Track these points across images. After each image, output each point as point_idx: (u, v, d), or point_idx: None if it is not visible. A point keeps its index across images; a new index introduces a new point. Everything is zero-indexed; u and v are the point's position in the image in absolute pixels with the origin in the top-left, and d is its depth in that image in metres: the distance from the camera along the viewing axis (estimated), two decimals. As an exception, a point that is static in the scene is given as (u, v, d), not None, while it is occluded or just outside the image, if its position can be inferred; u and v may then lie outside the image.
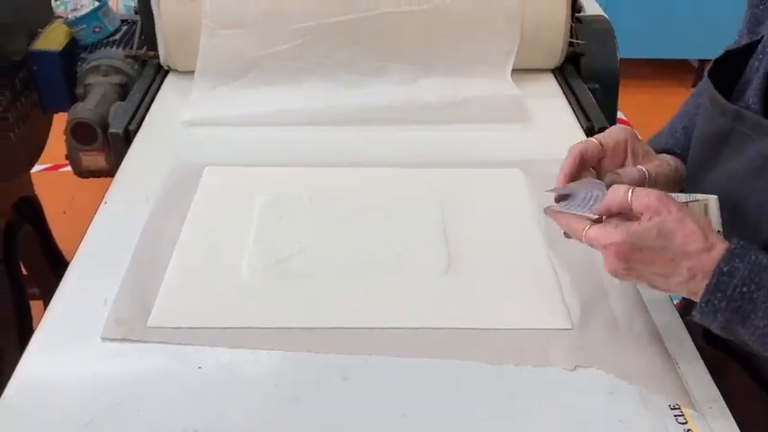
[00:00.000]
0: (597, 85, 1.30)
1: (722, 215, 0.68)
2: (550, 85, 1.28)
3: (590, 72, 1.32)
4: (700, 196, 0.69)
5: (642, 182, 0.72)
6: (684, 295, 0.65)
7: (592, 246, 0.66)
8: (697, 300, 0.63)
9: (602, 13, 1.51)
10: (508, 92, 1.20)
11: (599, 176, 0.75)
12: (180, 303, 0.79)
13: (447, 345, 0.74)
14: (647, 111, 3.22)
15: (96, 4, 1.36)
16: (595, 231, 0.65)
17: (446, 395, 0.69)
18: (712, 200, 0.68)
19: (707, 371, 0.72)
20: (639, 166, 0.74)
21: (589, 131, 1.13)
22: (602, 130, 1.11)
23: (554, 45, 1.26)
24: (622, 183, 0.68)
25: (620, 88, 1.36)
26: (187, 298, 0.80)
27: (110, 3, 1.42)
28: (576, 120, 1.17)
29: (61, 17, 1.42)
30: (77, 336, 0.75)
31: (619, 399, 0.69)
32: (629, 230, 0.62)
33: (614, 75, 1.34)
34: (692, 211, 0.65)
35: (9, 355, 1.41)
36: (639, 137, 0.77)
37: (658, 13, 3.21)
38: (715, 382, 0.71)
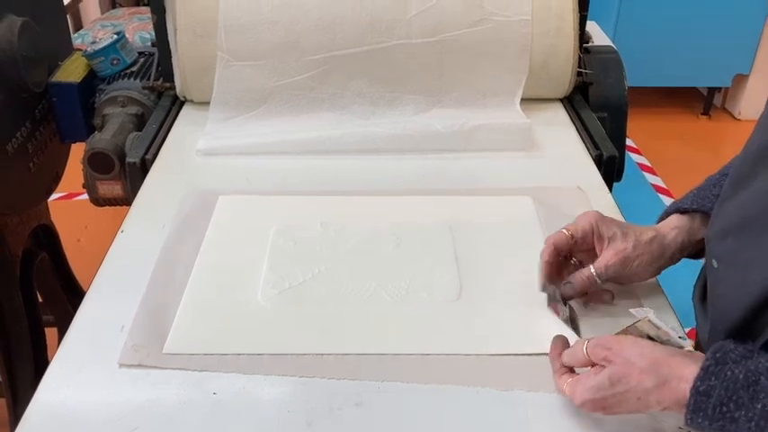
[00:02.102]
0: (606, 114, 1.32)
1: (758, 230, 0.67)
2: (559, 114, 1.30)
3: (598, 101, 1.34)
4: (639, 313, 0.73)
5: (591, 284, 0.82)
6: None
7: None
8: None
9: (610, 42, 1.54)
10: (517, 121, 1.21)
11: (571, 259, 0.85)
12: (195, 330, 0.80)
13: (459, 371, 0.75)
14: (656, 138, 3.24)
15: (114, 37, 1.39)
16: (568, 389, 0.69)
17: (459, 421, 0.70)
18: (651, 315, 0.72)
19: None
20: (590, 269, 0.81)
21: (598, 160, 1.15)
22: (610, 159, 1.14)
23: (563, 75, 1.28)
24: (574, 290, 0.82)
25: (629, 116, 1.37)
26: (202, 324, 0.81)
27: (126, 35, 1.45)
28: (585, 148, 1.18)
29: (80, 50, 1.45)
30: (95, 361, 0.76)
31: (629, 424, 0.69)
32: (586, 387, 0.66)
33: (622, 103, 1.36)
34: (642, 332, 0.70)
35: (24, 382, 1.42)
36: (606, 219, 0.83)
37: (666, 41, 3.23)
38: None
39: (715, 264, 0.74)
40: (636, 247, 0.81)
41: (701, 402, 0.60)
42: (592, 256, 0.83)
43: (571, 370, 0.71)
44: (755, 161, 0.71)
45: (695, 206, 0.83)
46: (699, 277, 0.84)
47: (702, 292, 0.81)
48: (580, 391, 0.66)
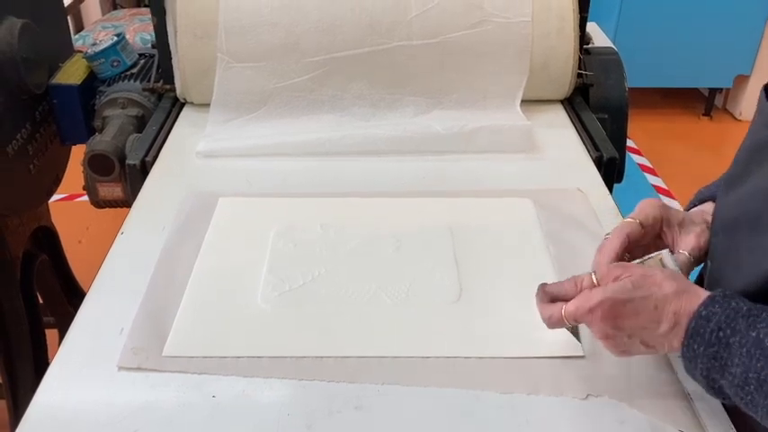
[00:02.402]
0: (606, 115, 1.32)
1: (746, 231, 0.68)
2: (559, 116, 1.30)
3: (599, 102, 1.34)
4: (653, 254, 0.72)
5: (689, 271, 0.75)
6: (669, 351, 0.66)
7: (576, 321, 0.68)
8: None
9: (610, 43, 1.54)
10: (518, 123, 1.21)
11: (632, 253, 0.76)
12: (195, 333, 0.80)
13: (459, 374, 0.75)
14: (657, 139, 3.24)
15: (114, 38, 1.39)
16: (573, 302, 0.67)
17: (458, 424, 0.70)
18: (665, 253, 0.71)
19: (719, 402, 0.72)
20: (685, 253, 0.75)
21: (598, 161, 1.15)
22: (611, 160, 1.13)
23: (563, 76, 1.28)
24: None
25: (630, 117, 1.37)
26: (202, 327, 0.81)
27: (127, 37, 1.45)
28: (585, 150, 1.18)
29: (80, 51, 1.45)
30: (94, 364, 0.76)
31: (630, 428, 0.69)
32: (606, 288, 0.65)
33: (623, 104, 1.36)
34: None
35: (24, 383, 1.42)
36: (666, 205, 0.78)
37: (667, 42, 3.23)
38: (726, 412, 0.71)
39: (709, 262, 0.74)
40: (709, 228, 0.78)
41: (699, 327, 0.61)
42: (650, 247, 0.77)
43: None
44: (747, 162, 0.71)
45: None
46: (698, 275, 0.84)
47: None
48: (595, 293, 0.64)
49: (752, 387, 0.58)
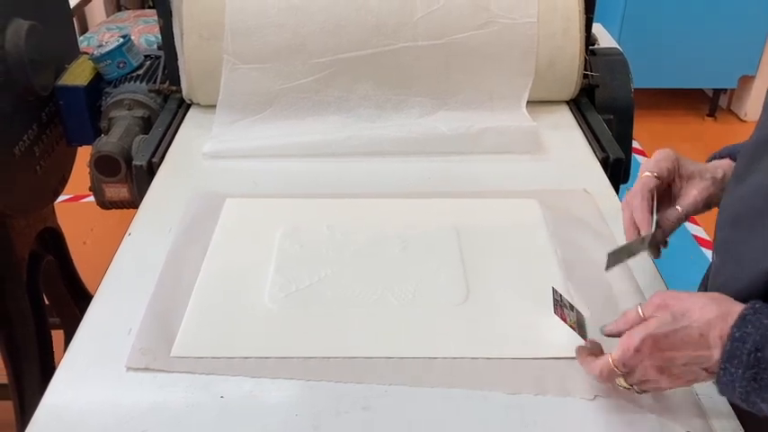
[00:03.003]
0: (612, 116, 1.32)
1: (748, 228, 0.68)
2: (565, 117, 1.30)
3: (604, 103, 1.34)
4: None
5: (680, 225, 0.80)
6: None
7: (626, 367, 0.65)
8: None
9: (615, 44, 1.54)
10: (524, 123, 1.21)
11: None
12: (202, 333, 0.80)
13: (466, 375, 0.75)
14: (662, 139, 3.24)
15: (120, 40, 1.39)
16: (618, 349, 0.65)
17: (465, 425, 0.70)
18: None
19: (727, 400, 0.72)
20: (678, 209, 0.80)
21: (604, 162, 1.15)
22: (617, 161, 1.13)
23: (569, 77, 1.28)
24: (665, 234, 0.80)
25: (636, 117, 1.37)
26: (209, 328, 0.81)
27: (132, 38, 1.46)
28: (592, 151, 1.18)
29: (86, 53, 1.46)
30: (103, 364, 0.77)
31: (638, 429, 0.69)
32: (647, 325, 0.64)
33: (628, 105, 1.36)
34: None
35: (30, 384, 1.43)
36: (680, 156, 0.81)
37: (671, 43, 3.23)
38: (735, 412, 0.71)
39: (714, 257, 0.75)
40: (714, 183, 0.80)
41: (735, 349, 0.59)
42: (660, 197, 0.80)
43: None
44: (751, 158, 0.72)
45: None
46: (706, 273, 0.85)
47: (707, 286, 0.81)
48: (634, 333, 0.64)
49: None
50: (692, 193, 0.80)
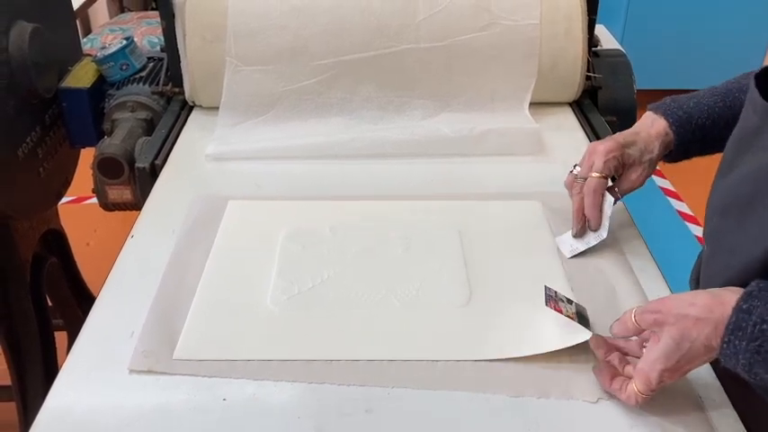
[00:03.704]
0: (615, 118, 1.32)
1: (736, 216, 0.71)
2: (568, 118, 1.30)
3: (607, 105, 1.34)
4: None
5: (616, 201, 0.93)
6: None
7: (651, 392, 0.68)
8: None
9: (618, 46, 1.53)
10: (526, 125, 1.21)
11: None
12: (205, 336, 0.81)
13: (469, 377, 0.75)
14: (665, 141, 3.22)
15: (124, 42, 1.39)
16: (641, 383, 0.67)
17: (468, 428, 0.70)
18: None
19: (730, 404, 0.72)
20: (616, 190, 0.93)
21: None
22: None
23: (571, 79, 1.28)
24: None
25: (638, 119, 1.36)
26: (212, 330, 0.81)
27: (135, 40, 1.46)
28: (595, 152, 1.18)
29: (90, 55, 1.46)
30: (105, 367, 0.77)
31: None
32: (654, 360, 0.66)
33: (631, 107, 1.36)
34: None
35: (33, 385, 1.43)
36: (623, 147, 0.91)
37: (674, 44, 3.22)
38: (738, 414, 0.71)
39: (705, 246, 0.78)
40: (651, 165, 0.93)
41: (741, 321, 0.60)
42: None
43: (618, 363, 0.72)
44: (737, 148, 0.73)
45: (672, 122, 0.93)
46: (696, 260, 0.88)
47: (697, 274, 0.84)
48: (650, 368, 0.66)
49: None
50: (630, 178, 0.93)
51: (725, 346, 0.62)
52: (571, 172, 0.95)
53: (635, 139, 0.92)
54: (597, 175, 0.90)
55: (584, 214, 0.92)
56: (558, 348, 0.75)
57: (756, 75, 0.73)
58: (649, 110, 0.96)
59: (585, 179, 0.92)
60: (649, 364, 0.66)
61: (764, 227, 0.67)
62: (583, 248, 0.92)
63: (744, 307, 0.61)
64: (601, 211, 0.92)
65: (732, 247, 0.71)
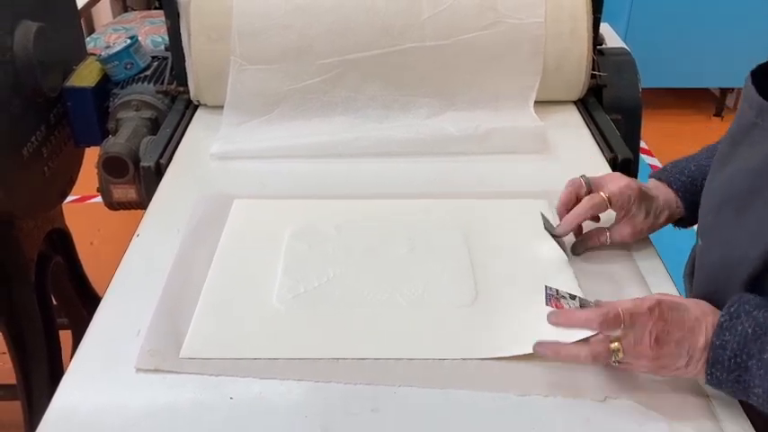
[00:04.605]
0: (620, 116, 1.31)
1: (732, 211, 0.72)
2: (573, 117, 1.29)
3: (612, 103, 1.33)
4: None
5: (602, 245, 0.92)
6: (696, 376, 0.69)
7: (632, 321, 0.68)
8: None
9: (623, 44, 1.53)
10: (531, 124, 1.21)
11: None
12: (211, 334, 0.81)
13: (476, 376, 0.75)
14: (670, 139, 3.22)
15: (128, 41, 1.39)
16: (629, 302, 0.70)
17: (475, 427, 0.70)
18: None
19: (739, 405, 0.71)
20: (607, 235, 0.91)
21: (612, 162, 1.14)
22: (625, 161, 1.13)
23: (576, 77, 1.28)
24: (585, 247, 0.92)
25: (643, 117, 1.36)
26: (218, 329, 0.81)
27: (139, 39, 1.46)
28: (600, 151, 1.18)
29: (94, 54, 1.46)
30: (112, 366, 0.77)
31: (648, 430, 0.68)
32: (656, 295, 0.71)
33: (636, 105, 1.35)
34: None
35: (39, 384, 1.43)
36: (642, 195, 0.88)
37: (678, 42, 3.21)
38: (746, 413, 0.70)
39: (699, 241, 0.79)
40: (652, 227, 0.91)
41: (718, 356, 0.65)
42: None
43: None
44: (732, 144, 0.74)
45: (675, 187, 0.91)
46: (690, 253, 0.89)
47: (692, 268, 0.85)
48: (652, 297, 0.69)
49: None
50: (626, 230, 0.90)
51: (709, 377, 0.67)
52: (582, 176, 0.92)
53: (653, 195, 0.90)
54: (605, 196, 0.87)
55: (566, 209, 0.90)
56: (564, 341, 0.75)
57: (753, 72, 0.74)
58: (652, 178, 0.94)
59: (589, 186, 0.90)
60: (646, 296, 0.70)
61: (761, 221, 0.67)
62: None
63: (717, 343, 0.66)
64: (580, 228, 0.91)
65: (728, 242, 0.72)
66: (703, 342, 0.66)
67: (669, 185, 0.91)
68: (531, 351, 0.76)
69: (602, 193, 0.88)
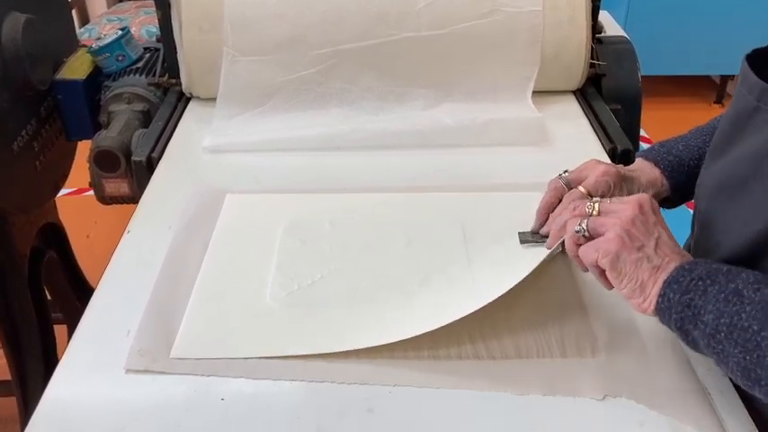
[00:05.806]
0: (619, 106, 1.30)
1: (730, 197, 0.71)
2: (572, 107, 1.27)
3: (612, 92, 1.31)
4: None
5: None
6: (649, 300, 0.67)
7: (607, 210, 0.70)
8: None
9: (622, 33, 1.51)
10: (529, 115, 1.19)
11: None
12: (202, 334, 0.79)
13: (473, 375, 0.73)
14: (670, 128, 3.19)
15: (119, 33, 1.37)
16: (611, 205, 0.71)
17: (473, 426, 0.68)
18: None
19: (740, 401, 0.70)
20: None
21: (612, 153, 1.12)
22: (625, 152, 1.12)
23: (575, 67, 1.26)
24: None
25: (643, 106, 1.34)
26: (209, 328, 0.80)
27: (132, 30, 1.44)
28: (599, 141, 1.16)
29: (85, 45, 1.44)
30: (101, 366, 0.75)
31: (649, 429, 0.67)
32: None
33: (636, 94, 1.33)
34: None
35: (34, 379, 1.42)
36: (619, 180, 0.85)
37: (678, 29, 3.19)
38: (749, 412, 0.69)
39: (695, 227, 0.78)
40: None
41: (680, 276, 0.64)
42: None
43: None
44: (730, 130, 0.73)
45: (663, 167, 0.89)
46: (686, 242, 0.88)
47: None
48: (630, 201, 0.70)
49: (722, 335, 0.59)
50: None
51: (660, 299, 0.64)
52: (560, 176, 0.88)
53: (634, 176, 0.87)
54: (583, 190, 0.83)
55: (547, 214, 0.86)
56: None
57: (747, 56, 0.73)
58: (639, 157, 0.92)
59: (569, 186, 0.86)
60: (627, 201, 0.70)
61: (759, 207, 0.66)
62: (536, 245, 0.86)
63: (686, 267, 0.64)
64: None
65: (724, 227, 0.71)
66: (674, 258, 0.66)
67: (656, 164, 0.89)
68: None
69: (580, 188, 0.84)
